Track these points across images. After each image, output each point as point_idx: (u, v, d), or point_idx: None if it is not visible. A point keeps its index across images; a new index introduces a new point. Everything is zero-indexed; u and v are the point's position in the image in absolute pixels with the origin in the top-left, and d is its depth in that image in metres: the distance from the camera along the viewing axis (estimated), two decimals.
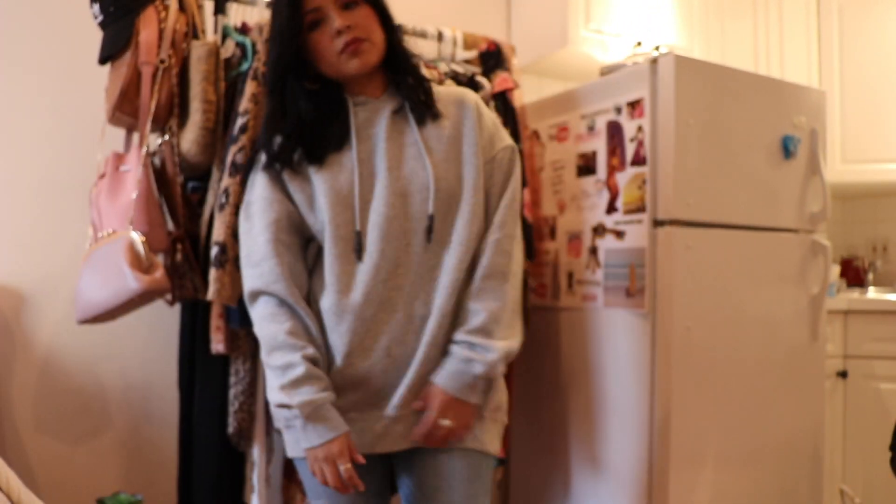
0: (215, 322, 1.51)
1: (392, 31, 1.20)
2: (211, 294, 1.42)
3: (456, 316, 1.16)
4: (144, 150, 1.47)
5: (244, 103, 1.49)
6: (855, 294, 2.71)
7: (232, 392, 1.53)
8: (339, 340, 1.13)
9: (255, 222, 1.16)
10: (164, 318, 1.84)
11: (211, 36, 1.69)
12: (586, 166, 1.87)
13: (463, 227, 1.16)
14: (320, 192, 1.15)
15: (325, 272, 1.15)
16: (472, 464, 1.17)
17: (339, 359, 1.14)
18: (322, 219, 1.15)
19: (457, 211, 1.17)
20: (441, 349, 1.15)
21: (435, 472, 1.16)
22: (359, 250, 1.13)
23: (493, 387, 1.20)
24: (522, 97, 1.96)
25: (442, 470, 1.16)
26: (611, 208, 1.79)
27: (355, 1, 1.14)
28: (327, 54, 1.15)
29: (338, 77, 1.18)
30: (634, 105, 1.73)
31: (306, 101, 1.18)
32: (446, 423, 1.12)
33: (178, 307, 1.62)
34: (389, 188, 1.14)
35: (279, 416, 1.13)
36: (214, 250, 1.44)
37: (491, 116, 1.26)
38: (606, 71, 1.95)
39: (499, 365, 1.14)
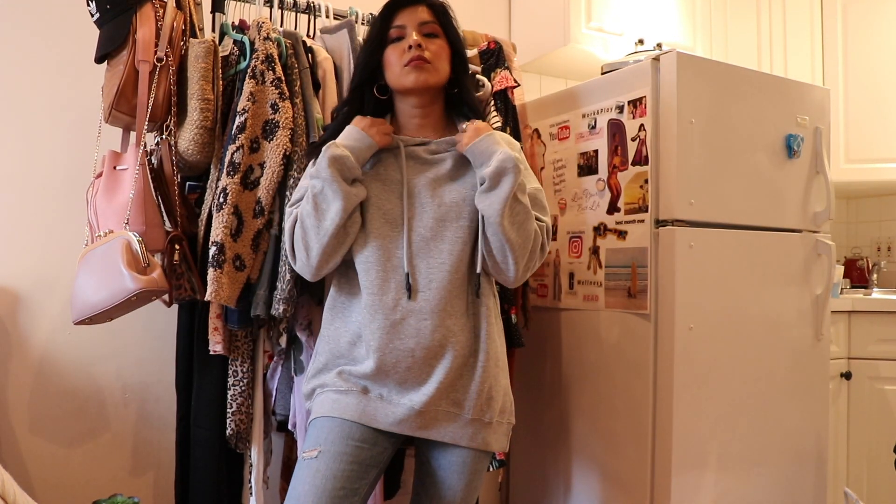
0: (213, 323, 1.50)
1: (461, 73, 1.37)
2: (209, 294, 1.41)
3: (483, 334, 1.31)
4: (142, 148, 1.46)
5: (242, 102, 1.47)
6: (859, 294, 2.69)
7: (230, 393, 1.52)
8: (370, 336, 1.25)
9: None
10: (161, 319, 1.83)
11: (209, 34, 1.68)
12: (588, 165, 1.86)
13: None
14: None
15: (360, 268, 1.28)
16: (475, 459, 1.32)
17: (369, 352, 1.25)
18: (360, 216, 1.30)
19: None
20: (467, 360, 1.29)
21: (444, 461, 1.31)
22: (399, 265, 1.27)
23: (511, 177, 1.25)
24: (523, 95, 1.94)
25: (450, 461, 1.31)
26: (612, 208, 1.77)
27: (436, 33, 1.32)
28: (394, 65, 1.30)
29: (397, 90, 1.33)
30: (636, 103, 1.71)
31: (375, 109, 1.35)
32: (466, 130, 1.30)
33: (175, 307, 1.61)
34: (431, 213, 1.28)
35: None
36: (212, 250, 1.42)
37: (524, 162, 1.41)
38: (608, 69, 1.94)
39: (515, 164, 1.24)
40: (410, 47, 1.27)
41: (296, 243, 1.28)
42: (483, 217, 1.26)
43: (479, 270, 1.29)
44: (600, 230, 1.81)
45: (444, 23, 1.33)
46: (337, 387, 1.28)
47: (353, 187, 1.25)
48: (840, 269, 2.68)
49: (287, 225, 1.31)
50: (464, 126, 1.32)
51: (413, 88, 1.30)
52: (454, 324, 1.27)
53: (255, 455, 1.55)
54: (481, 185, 1.25)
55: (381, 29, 1.31)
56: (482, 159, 1.26)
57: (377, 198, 1.29)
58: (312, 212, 1.24)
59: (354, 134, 1.28)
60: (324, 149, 1.25)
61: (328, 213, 1.24)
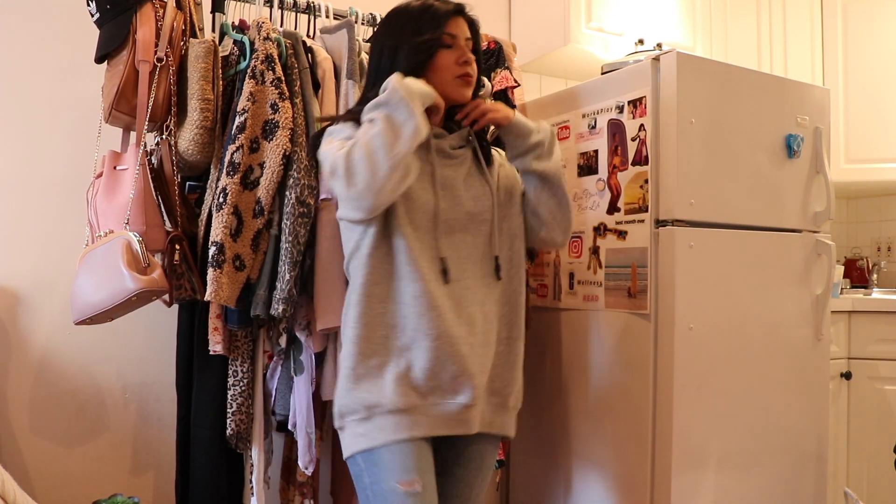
0: (213, 323, 1.50)
1: (477, 91, 1.40)
2: (208, 294, 1.41)
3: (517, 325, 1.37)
4: (142, 149, 1.46)
5: (242, 102, 1.47)
6: (859, 294, 2.69)
7: (230, 393, 1.52)
8: (427, 325, 1.23)
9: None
10: (161, 319, 1.83)
11: (209, 34, 1.68)
12: (588, 165, 1.86)
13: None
14: None
15: (408, 257, 1.25)
16: (492, 448, 1.39)
17: (422, 342, 1.23)
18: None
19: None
20: (506, 348, 1.35)
21: (464, 457, 1.34)
22: (441, 257, 1.28)
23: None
24: (523, 95, 1.94)
25: (468, 457, 1.34)
26: (612, 208, 1.77)
27: (476, 52, 1.37)
28: (447, 73, 1.31)
29: (441, 94, 1.30)
30: (636, 103, 1.71)
31: None
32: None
33: (175, 307, 1.61)
34: (462, 206, 1.31)
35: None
36: (212, 250, 1.42)
37: None
38: (608, 69, 1.94)
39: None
40: (466, 62, 1.31)
41: (356, 164, 1.15)
42: (540, 183, 1.38)
43: (530, 245, 1.43)
44: (600, 230, 1.81)
45: (476, 42, 1.37)
46: (395, 405, 1.22)
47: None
48: (840, 269, 2.68)
49: (339, 154, 1.17)
50: (477, 103, 1.34)
51: (457, 101, 1.33)
52: (490, 311, 1.32)
53: (255, 455, 1.56)
54: (531, 150, 1.36)
55: (439, 32, 1.30)
56: (528, 128, 1.36)
57: (413, 185, 1.27)
58: (385, 131, 1.15)
59: (424, 87, 1.21)
60: (392, 78, 1.20)
61: (404, 132, 1.15)
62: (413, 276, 1.24)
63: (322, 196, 1.54)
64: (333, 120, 1.34)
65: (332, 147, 1.21)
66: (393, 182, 1.16)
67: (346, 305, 1.31)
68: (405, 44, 1.30)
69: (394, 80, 1.20)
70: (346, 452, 1.28)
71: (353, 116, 1.28)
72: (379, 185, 1.15)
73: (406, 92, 1.18)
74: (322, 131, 1.32)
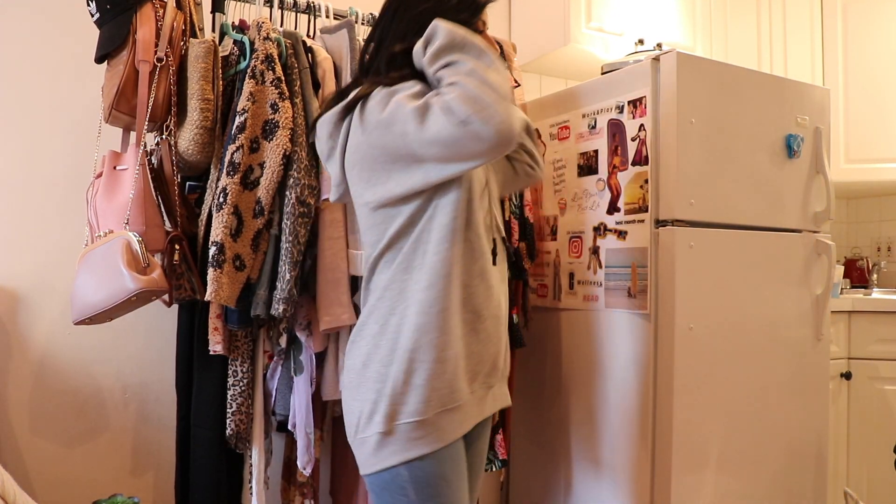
0: (213, 323, 1.50)
1: None
2: (208, 294, 1.41)
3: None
4: (142, 149, 1.46)
5: (242, 102, 1.47)
6: (859, 294, 2.69)
7: (230, 393, 1.52)
8: (483, 308, 1.19)
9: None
10: (161, 319, 1.83)
11: (209, 34, 1.68)
12: (588, 165, 1.86)
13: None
14: None
15: (472, 237, 1.18)
16: (488, 435, 1.36)
17: (482, 326, 1.19)
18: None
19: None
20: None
21: (473, 457, 1.30)
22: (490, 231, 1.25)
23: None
24: (523, 95, 1.94)
25: (477, 455, 1.32)
26: (612, 208, 1.77)
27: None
28: None
29: None
30: (636, 103, 1.71)
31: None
32: None
33: (175, 307, 1.61)
34: (492, 180, 1.30)
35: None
36: (212, 250, 1.42)
37: None
38: (608, 69, 1.94)
39: None
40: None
41: (480, 96, 1.02)
42: None
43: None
44: (600, 230, 1.81)
45: None
46: (457, 401, 1.15)
47: None
48: (840, 269, 2.68)
49: (447, 98, 1.03)
50: None
51: None
52: (507, 288, 1.31)
53: (255, 455, 1.55)
54: None
55: (476, 18, 1.26)
56: None
57: None
58: (476, 63, 1.07)
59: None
60: (438, 23, 1.12)
61: (487, 61, 1.08)
62: (480, 254, 1.18)
63: (324, 196, 1.54)
64: (374, 84, 1.18)
65: (423, 99, 1.07)
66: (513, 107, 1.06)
67: (398, 291, 1.14)
68: (442, 15, 1.17)
69: (445, 24, 1.11)
70: (385, 463, 1.11)
71: (406, 75, 1.17)
72: (511, 108, 1.04)
73: (466, 31, 1.12)
74: (366, 97, 1.14)
